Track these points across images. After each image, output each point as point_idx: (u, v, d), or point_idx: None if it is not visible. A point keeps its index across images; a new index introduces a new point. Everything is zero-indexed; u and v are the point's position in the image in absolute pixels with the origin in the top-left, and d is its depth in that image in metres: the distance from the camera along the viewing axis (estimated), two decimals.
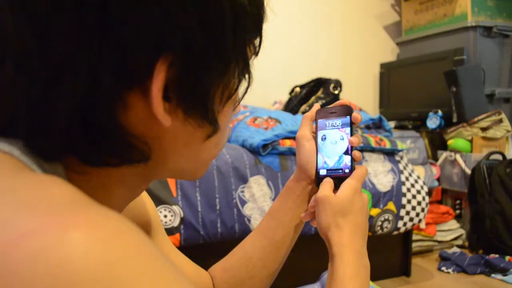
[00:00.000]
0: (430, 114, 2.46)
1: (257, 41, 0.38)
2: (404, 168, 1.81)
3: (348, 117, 0.61)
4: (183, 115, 0.34)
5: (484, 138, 2.29)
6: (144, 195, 0.57)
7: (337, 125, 0.61)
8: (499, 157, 2.20)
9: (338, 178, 0.58)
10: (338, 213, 0.54)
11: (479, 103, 2.34)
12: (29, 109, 0.30)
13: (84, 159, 0.32)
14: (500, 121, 2.29)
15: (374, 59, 3.05)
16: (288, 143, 1.61)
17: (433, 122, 2.44)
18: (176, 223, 1.39)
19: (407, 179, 1.77)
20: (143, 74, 0.31)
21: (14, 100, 0.30)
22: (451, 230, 2.25)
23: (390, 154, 1.81)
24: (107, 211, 0.24)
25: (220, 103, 0.36)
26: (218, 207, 1.46)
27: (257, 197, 1.51)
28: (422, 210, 1.77)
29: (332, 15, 2.93)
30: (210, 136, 0.37)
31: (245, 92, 0.39)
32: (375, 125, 1.99)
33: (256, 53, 0.38)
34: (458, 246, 2.22)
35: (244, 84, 0.38)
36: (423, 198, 1.77)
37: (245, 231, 1.48)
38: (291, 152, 1.61)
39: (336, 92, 2.21)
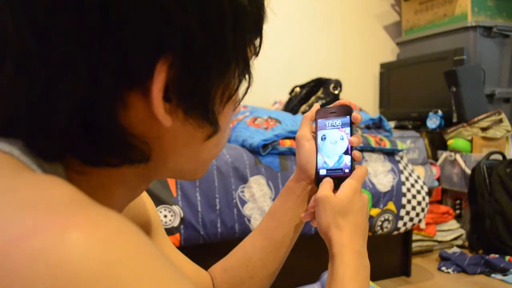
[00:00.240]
0: (430, 114, 2.46)
1: (257, 42, 0.38)
2: (404, 168, 1.81)
3: (348, 117, 0.61)
4: (183, 115, 0.34)
5: (484, 138, 2.29)
6: (144, 195, 0.57)
7: (337, 125, 0.61)
8: (499, 157, 2.20)
9: (338, 178, 0.58)
10: (338, 213, 0.54)
11: (479, 103, 2.35)
12: (29, 109, 0.30)
13: (84, 159, 0.32)
14: (500, 121, 2.29)
15: (374, 59, 3.05)
16: (288, 143, 1.61)
17: (433, 122, 2.44)
18: (176, 223, 1.39)
19: (407, 179, 1.77)
20: (144, 74, 0.31)
21: (14, 100, 0.30)
22: (451, 230, 2.25)
23: (390, 154, 1.81)
24: (107, 211, 0.24)
25: (220, 104, 0.36)
26: (218, 207, 1.46)
27: (257, 197, 1.51)
28: (422, 210, 1.77)
29: (332, 15, 2.93)
30: (210, 136, 0.37)
31: (245, 93, 0.39)
32: (375, 125, 1.99)
33: (257, 54, 0.38)
34: (458, 246, 2.22)
35: (244, 84, 0.38)
36: (423, 198, 1.77)
37: (245, 231, 1.48)
38: (291, 152, 1.61)
39: (336, 92, 2.21)
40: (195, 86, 0.33)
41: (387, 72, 2.94)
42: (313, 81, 2.32)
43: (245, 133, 1.66)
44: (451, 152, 2.34)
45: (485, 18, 2.55)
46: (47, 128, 0.30)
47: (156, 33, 0.30)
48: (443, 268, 1.97)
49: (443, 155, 2.39)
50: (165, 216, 1.38)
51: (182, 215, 1.40)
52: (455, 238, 2.25)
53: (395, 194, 1.73)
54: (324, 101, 2.19)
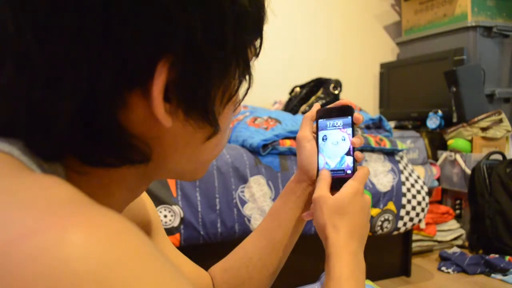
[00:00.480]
0: (430, 114, 2.46)
1: (257, 42, 0.38)
2: (404, 168, 1.81)
3: (350, 117, 0.60)
4: (184, 116, 0.34)
5: (484, 138, 2.29)
6: (144, 195, 0.57)
7: (338, 126, 0.60)
8: (499, 157, 2.20)
9: (340, 179, 0.58)
10: (334, 213, 0.54)
11: (479, 103, 2.34)
12: (30, 109, 0.30)
13: (84, 160, 0.32)
14: (500, 121, 2.29)
15: (374, 59, 3.05)
16: (288, 143, 1.61)
17: (433, 122, 2.44)
18: (176, 223, 1.39)
19: (407, 179, 1.77)
20: (144, 75, 0.31)
21: (15, 100, 0.30)
22: (451, 230, 2.25)
23: (390, 154, 1.81)
24: (107, 211, 0.24)
25: (220, 104, 0.36)
26: (218, 207, 1.46)
27: (257, 197, 1.51)
28: (422, 210, 1.77)
29: (332, 15, 2.93)
30: (211, 137, 0.37)
31: (246, 94, 0.39)
32: (375, 125, 1.99)
33: (257, 54, 0.38)
34: (458, 246, 2.22)
35: (244, 85, 0.38)
36: (423, 198, 1.77)
37: (245, 231, 1.48)
38: (291, 152, 1.61)
39: (336, 92, 2.21)
40: (195, 87, 0.33)
41: (387, 72, 2.94)
42: (313, 81, 2.32)
43: (245, 133, 1.66)
44: (451, 152, 2.34)
45: (485, 18, 2.55)
46: (48, 128, 0.30)
47: (157, 34, 0.30)
48: (443, 268, 1.97)
49: (443, 155, 2.39)
50: (165, 216, 1.38)
51: (182, 215, 1.40)
52: (455, 238, 2.25)
53: (395, 194, 1.73)
54: (324, 101, 2.19)
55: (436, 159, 2.43)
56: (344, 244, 0.53)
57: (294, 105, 2.26)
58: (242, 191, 1.50)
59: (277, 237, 0.62)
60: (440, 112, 2.42)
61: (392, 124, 2.81)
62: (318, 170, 0.60)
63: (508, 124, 2.30)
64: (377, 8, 3.09)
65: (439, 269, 1.98)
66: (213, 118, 0.35)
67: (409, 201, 1.75)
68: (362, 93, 3.03)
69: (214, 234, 1.45)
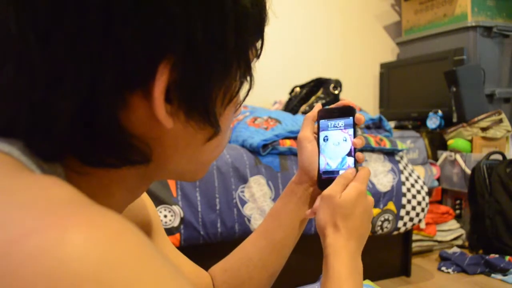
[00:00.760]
0: (430, 114, 2.46)
1: (258, 44, 0.38)
2: (404, 168, 1.81)
3: (351, 118, 0.59)
4: (185, 117, 0.34)
5: (484, 138, 2.29)
6: (144, 196, 0.57)
7: (340, 126, 0.60)
8: (499, 157, 2.20)
9: None
10: (338, 214, 0.54)
11: (479, 103, 2.35)
12: (30, 109, 0.30)
13: (84, 160, 0.32)
14: (500, 121, 2.29)
15: (374, 59, 3.05)
16: (288, 143, 1.61)
17: (433, 122, 2.44)
18: (176, 223, 1.39)
19: (407, 179, 1.77)
20: (145, 76, 0.31)
21: (15, 100, 0.30)
22: (451, 230, 2.25)
23: (390, 154, 1.81)
24: (106, 212, 0.24)
25: (221, 106, 0.36)
26: (218, 207, 1.46)
27: (257, 197, 1.51)
28: (422, 210, 1.77)
29: (332, 15, 2.93)
30: (211, 138, 0.37)
31: (247, 95, 0.39)
32: (375, 125, 1.99)
33: (258, 56, 0.38)
34: (458, 246, 2.22)
35: (245, 86, 0.38)
36: (423, 198, 1.77)
37: (245, 231, 1.48)
38: (291, 152, 1.61)
39: (336, 92, 2.21)
40: (196, 88, 0.33)
41: (387, 72, 2.94)
42: (313, 81, 2.32)
43: (245, 133, 1.66)
44: (451, 152, 2.34)
45: (485, 18, 2.55)
46: (48, 129, 0.30)
47: (157, 34, 0.30)
48: (443, 268, 1.97)
49: (443, 155, 2.39)
50: (165, 216, 1.38)
51: (182, 215, 1.40)
52: (455, 238, 2.25)
53: (395, 194, 1.73)
54: (324, 101, 2.19)
55: (436, 159, 2.43)
56: (343, 244, 0.53)
57: (294, 105, 2.26)
58: (242, 191, 1.50)
59: (278, 238, 0.62)
60: (440, 112, 2.42)
61: (392, 124, 2.81)
62: (319, 171, 0.60)
63: (508, 124, 2.30)
64: (377, 8, 3.09)
65: (439, 269, 1.98)
66: (214, 119, 0.35)
67: (409, 201, 1.75)
68: (362, 93, 3.03)
69: (214, 234, 1.45)
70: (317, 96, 2.23)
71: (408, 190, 1.76)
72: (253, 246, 0.63)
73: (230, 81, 0.35)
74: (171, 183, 1.42)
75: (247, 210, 1.50)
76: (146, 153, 0.34)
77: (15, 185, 0.25)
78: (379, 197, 1.70)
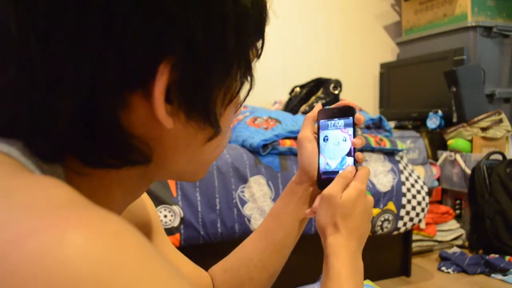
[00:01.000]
0: (430, 114, 2.46)
1: (259, 44, 0.37)
2: (404, 168, 1.81)
3: (351, 118, 0.60)
4: (185, 117, 0.34)
5: (484, 138, 2.29)
6: (144, 196, 0.57)
7: (340, 126, 0.60)
8: (499, 157, 2.20)
9: None
10: (338, 214, 0.54)
11: (479, 103, 2.34)
12: (30, 109, 0.30)
13: (84, 160, 0.32)
14: (500, 121, 2.29)
15: (374, 59, 3.05)
16: (288, 143, 1.61)
17: (433, 122, 2.44)
18: (176, 223, 1.39)
19: (407, 179, 1.77)
20: (146, 76, 0.30)
21: (15, 100, 0.30)
22: (451, 230, 2.25)
23: (390, 154, 1.81)
24: (105, 213, 0.24)
25: (222, 106, 0.36)
26: (218, 207, 1.46)
27: (257, 197, 1.51)
28: (422, 210, 1.77)
29: (332, 15, 2.93)
30: (212, 138, 0.37)
31: (247, 95, 0.39)
32: (375, 125, 1.99)
33: (258, 56, 0.38)
34: (458, 246, 2.22)
35: (246, 86, 0.38)
36: (423, 198, 1.77)
37: (245, 231, 1.48)
38: (291, 152, 1.61)
39: (336, 92, 2.21)
40: (197, 88, 0.33)
41: (387, 72, 2.94)
42: (313, 81, 2.32)
43: (245, 133, 1.66)
44: (451, 152, 2.34)
45: (485, 18, 2.55)
46: (48, 129, 0.30)
47: (159, 35, 0.30)
48: (443, 268, 1.97)
49: (443, 155, 2.39)
50: (165, 216, 1.38)
51: (182, 215, 1.40)
52: (455, 238, 2.25)
53: (395, 194, 1.73)
54: (324, 101, 2.19)
55: (436, 159, 2.43)
56: (343, 244, 0.53)
57: (294, 105, 2.26)
58: (242, 191, 1.50)
59: (278, 238, 0.62)
60: (440, 112, 2.42)
61: (392, 124, 2.81)
62: (319, 171, 0.60)
63: (508, 124, 2.30)
64: (377, 8, 3.09)
65: (439, 269, 1.98)
66: (215, 119, 0.35)
67: (409, 201, 1.75)
68: (362, 93, 3.03)
69: (214, 234, 1.45)
70: (317, 96, 2.23)
71: (408, 190, 1.76)
72: (253, 246, 0.63)
73: (230, 81, 0.35)
74: (171, 183, 1.42)
75: (247, 210, 1.50)
76: (147, 153, 0.34)
77: (14, 186, 0.25)
78: (379, 197, 1.70)
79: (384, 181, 1.72)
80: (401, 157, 1.84)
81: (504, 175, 2.09)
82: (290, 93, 2.40)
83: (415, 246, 2.11)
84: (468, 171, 2.22)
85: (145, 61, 0.30)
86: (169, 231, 1.38)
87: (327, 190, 0.55)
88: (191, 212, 1.41)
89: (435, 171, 2.35)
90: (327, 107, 0.64)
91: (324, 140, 0.61)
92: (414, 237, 2.09)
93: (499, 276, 1.86)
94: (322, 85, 2.26)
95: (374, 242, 1.52)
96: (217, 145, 0.40)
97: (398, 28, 3.12)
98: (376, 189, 1.70)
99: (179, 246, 1.40)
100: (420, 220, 1.78)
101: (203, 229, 1.43)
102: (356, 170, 0.58)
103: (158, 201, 1.37)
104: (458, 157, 2.30)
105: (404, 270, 1.93)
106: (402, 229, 1.77)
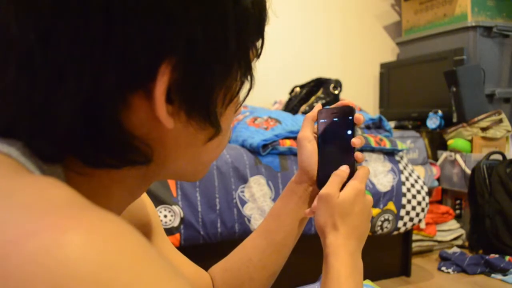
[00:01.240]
0: (430, 114, 2.46)
1: (259, 43, 0.38)
2: (404, 168, 1.81)
3: (351, 118, 0.60)
4: (186, 117, 0.34)
5: (484, 138, 2.29)
6: (144, 196, 0.57)
7: (339, 126, 0.61)
8: (499, 157, 2.20)
9: None
10: (337, 214, 0.54)
11: (479, 103, 2.34)
12: (31, 109, 0.30)
13: (85, 161, 0.32)
14: (500, 121, 2.29)
15: (374, 59, 3.05)
16: (288, 143, 1.61)
17: (433, 122, 2.44)
18: (176, 223, 1.39)
19: (407, 179, 1.77)
20: (147, 76, 0.30)
21: (16, 100, 0.30)
22: (451, 230, 2.25)
23: (390, 154, 1.81)
24: (105, 213, 0.24)
25: (222, 106, 0.36)
26: (218, 207, 1.46)
27: (257, 197, 1.51)
28: (422, 210, 1.77)
29: (332, 15, 2.93)
30: (212, 138, 0.37)
31: (247, 95, 0.39)
32: (375, 125, 1.99)
33: (258, 55, 0.38)
34: (458, 246, 2.22)
35: (246, 86, 0.38)
36: (423, 198, 1.78)
37: (245, 231, 1.48)
38: (291, 152, 1.61)
39: (336, 92, 2.21)
40: (197, 88, 0.33)
41: (387, 72, 2.94)
42: (313, 81, 2.32)
43: (245, 133, 1.66)
44: (451, 152, 2.35)
45: (485, 18, 2.55)
46: (49, 129, 0.30)
47: (160, 36, 0.30)
48: (443, 268, 1.97)
49: (443, 155, 2.39)
50: (165, 216, 1.38)
51: (182, 215, 1.40)
52: (455, 238, 2.25)
53: (395, 194, 1.73)
54: (324, 101, 2.19)
55: (436, 159, 2.43)
56: (342, 243, 0.53)
57: (294, 105, 2.26)
58: (242, 191, 1.50)
59: (278, 238, 0.62)
60: (440, 112, 2.42)
61: (392, 124, 2.81)
62: (318, 171, 0.60)
63: (508, 124, 2.30)
64: (377, 8, 3.09)
65: (439, 269, 1.98)
66: (215, 119, 0.35)
67: (409, 201, 1.75)
68: (362, 93, 3.03)
69: (214, 234, 1.45)
70: (317, 96, 2.23)
71: (408, 190, 1.76)
72: (253, 246, 0.63)
73: (231, 81, 0.36)
74: (171, 183, 1.42)
75: (247, 210, 1.50)
76: (147, 153, 0.34)
77: (14, 186, 0.25)
78: (379, 197, 1.70)
79: (384, 181, 1.72)
80: (401, 157, 1.84)
81: (504, 175, 2.09)
82: (290, 93, 2.40)
83: (415, 246, 2.11)
84: (468, 171, 2.22)
85: (146, 62, 0.30)
86: (169, 231, 1.38)
87: (324, 190, 0.55)
88: (191, 212, 1.41)
89: (435, 171, 2.35)
90: (327, 107, 0.64)
91: (324, 140, 0.61)
92: (414, 237, 2.09)
93: (499, 276, 1.86)
94: (322, 85, 2.26)
95: (374, 242, 1.52)
96: (218, 144, 0.40)
97: (398, 28, 3.12)
98: (376, 189, 1.70)
99: (179, 246, 1.40)
100: (420, 220, 1.78)
101: (203, 229, 1.43)
102: (356, 170, 0.58)
103: (158, 201, 1.37)
104: (458, 157, 2.30)
105: (404, 270, 1.93)
106: (402, 229, 1.77)
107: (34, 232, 0.21)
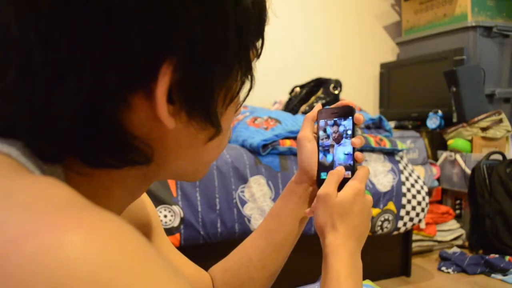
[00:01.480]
0: (430, 114, 2.46)
1: (259, 43, 0.38)
2: (404, 168, 1.81)
3: (351, 117, 0.60)
4: (186, 117, 0.34)
5: (484, 138, 2.29)
6: (144, 196, 0.57)
7: (339, 126, 0.61)
8: (499, 157, 2.20)
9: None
10: (336, 214, 0.54)
11: (479, 103, 2.34)
12: (32, 110, 0.30)
13: (85, 161, 0.32)
14: (500, 121, 2.29)
15: (374, 59, 3.05)
16: (288, 143, 1.61)
17: (433, 122, 2.44)
18: (176, 223, 1.39)
19: (407, 179, 1.77)
20: (148, 77, 0.30)
21: (17, 100, 0.30)
22: (451, 230, 2.25)
23: (390, 154, 1.81)
24: (105, 213, 0.24)
25: (222, 106, 0.36)
26: (218, 207, 1.46)
27: (257, 197, 1.51)
28: (422, 210, 1.77)
29: (332, 15, 2.93)
30: (212, 138, 0.37)
31: (247, 95, 0.39)
32: (375, 125, 1.99)
33: (258, 56, 0.38)
34: (458, 246, 2.22)
35: (246, 86, 0.38)
36: (423, 198, 1.78)
37: (245, 231, 1.48)
38: (291, 152, 1.61)
39: (336, 92, 2.21)
40: (198, 88, 0.33)
41: (387, 72, 2.94)
42: (313, 81, 2.32)
43: (245, 133, 1.66)
44: (451, 152, 2.35)
45: (485, 18, 2.55)
46: (49, 129, 0.30)
47: (160, 36, 0.30)
48: (443, 268, 1.97)
49: (443, 155, 2.39)
50: (165, 216, 1.38)
51: (182, 215, 1.40)
52: (455, 238, 2.25)
53: (395, 194, 1.73)
54: (324, 101, 2.19)
55: (436, 159, 2.43)
56: (342, 243, 0.53)
57: (294, 105, 2.26)
58: (242, 191, 1.50)
59: (278, 238, 0.62)
60: (440, 112, 2.42)
61: (392, 124, 2.81)
62: (318, 171, 0.60)
63: (508, 124, 2.30)
64: (377, 8, 3.09)
65: (439, 269, 1.98)
66: (215, 119, 0.36)
67: (409, 201, 1.75)
68: (362, 93, 3.03)
69: (214, 234, 1.45)
70: (317, 96, 2.23)
71: (408, 190, 1.76)
72: (253, 246, 0.63)
73: (231, 81, 0.36)
74: (171, 183, 1.42)
75: (247, 210, 1.50)
76: (148, 153, 0.34)
77: (14, 186, 0.25)
78: (379, 197, 1.70)
79: (384, 181, 1.72)
80: (401, 157, 1.84)
81: (504, 175, 2.09)
82: (290, 93, 2.40)
83: (415, 246, 2.11)
84: (468, 171, 2.22)
85: (147, 62, 0.30)
86: (169, 231, 1.38)
87: (322, 190, 0.55)
88: (191, 212, 1.41)
89: (435, 171, 2.35)
90: (327, 107, 0.64)
91: (323, 140, 0.61)
92: (414, 237, 2.09)
93: (499, 276, 1.86)
94: (322, 85, 2.26)
95: (374, 242, 1.52)
96: (218, 144, 0.40)
97: (398, 28, 3.12)
98: (376, 189, 1.70)
99: (179, 246, 1.40)
100: (420, 220, 1.78)
101: (203, 229, 1.43)
102: (356, 170, 0.58)
103: (158, 201, 1.37)
104: (458, 157, 2.30)
105: (404, 270, 1.93)
106: (402, 229, 1.77)
107: (34, 232, 0.21)
